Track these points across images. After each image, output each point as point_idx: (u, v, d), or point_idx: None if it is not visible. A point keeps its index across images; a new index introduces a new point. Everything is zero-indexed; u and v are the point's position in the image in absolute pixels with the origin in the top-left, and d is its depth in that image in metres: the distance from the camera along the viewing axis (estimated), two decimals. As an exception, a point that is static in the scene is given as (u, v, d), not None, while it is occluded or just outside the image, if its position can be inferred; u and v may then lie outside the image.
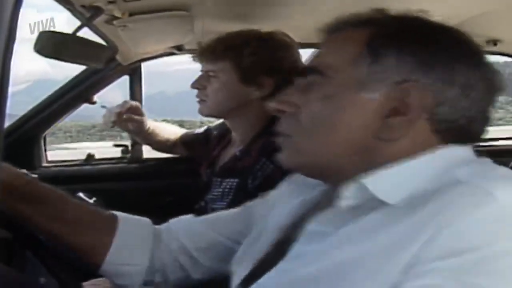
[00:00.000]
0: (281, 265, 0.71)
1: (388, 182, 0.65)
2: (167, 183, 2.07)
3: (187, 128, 2.10)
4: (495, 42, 1.84)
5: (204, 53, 1.49)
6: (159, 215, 1.14)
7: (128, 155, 2.15)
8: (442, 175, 0.63)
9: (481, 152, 0.70)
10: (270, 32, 1.47)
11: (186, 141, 1.93)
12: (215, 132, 1.79)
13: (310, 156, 0.72)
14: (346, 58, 0.69)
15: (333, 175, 0.72)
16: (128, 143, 2.15)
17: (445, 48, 0.68)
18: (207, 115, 1.58)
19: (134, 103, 1.84)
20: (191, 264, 0.96)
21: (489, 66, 0.70)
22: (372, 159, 0.67)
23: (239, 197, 1.39)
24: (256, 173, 1.38)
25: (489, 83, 0.69)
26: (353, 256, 0.61)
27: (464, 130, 0.68)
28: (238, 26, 1.51)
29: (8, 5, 0.41)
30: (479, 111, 0.69)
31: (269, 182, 1.31)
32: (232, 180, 1.46)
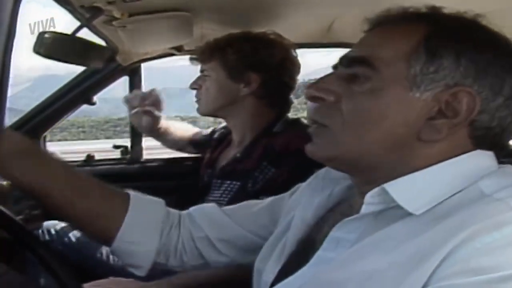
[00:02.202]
0: (305, 270, 0.70)
1: (410, 188, 0.64)
2: (167, 184, 2.06)
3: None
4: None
5: (196, 55, 1.61)
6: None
7: (128, 156, 2.15)
8: (466, 184, 0.63)
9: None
10: (257, 32, 1.53)
11: (196, 141, 1.94)
12: (217, 134, 1.81)
13: (346, 149, 0.69)
14: (399, 52, 0.67)
15: (364, 170, 0.71)
16: (127, 144, 2.15)
17: (500, 58, 0.67)
18: (203, 114, 1.62)
19: (160, 95, 1.85)
20: (212, 253, 0.96)
21: None
22: (408, 158, 0.67)
23: (238, 200, 1.40)
24: (257, 177, 1.38)
25: None
26: (377, 266, 0.60)
27: (497, 138, 0.68)
28: (237, 26, 1.52)
29: (8, 3, 0.41)
30: None
31: (271, 185, 1.32)
32: (232, 182, 1.46)
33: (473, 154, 0.67)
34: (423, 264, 0.56)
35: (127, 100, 1.83)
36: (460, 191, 0.62)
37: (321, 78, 0.74)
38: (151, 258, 0.93)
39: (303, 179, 0.92)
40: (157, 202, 0.98)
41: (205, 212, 0.99)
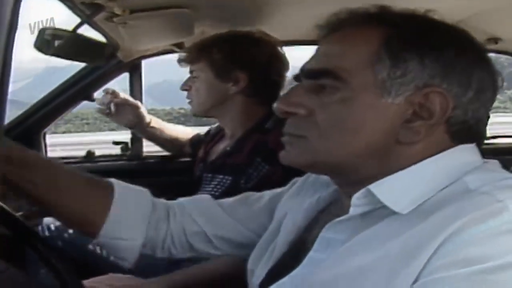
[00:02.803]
0: (297, 271, 0.70)
1: (395, 188, 0.64)
2: (167, 180, 2.06)
3: (182, 115, 2.11)
4: (496, 40, 1.83)
5: (183, 57, 1.62)
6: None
7: (128, 152, 2.16)
8: (451, 180, 0.63)
9: (485, 151, 0.70)
10: (242, 31, 1.54)
11: (194, 142, 1.94)
12: (212, 131, 1.82)
13: (326, 156, 0.69)
14: (361, 59, 0.67)
15: (346, 174, 0.71)
16: (128, 140, 2.15)
17: (464, 53, 0.67)
18: (195, 114, 1.64)
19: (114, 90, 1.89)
20: (205, 247, 0.96)
21: (494, 67, 0.70)
22: (388, 161, 0.67)
23: (230, 196, 1.41)
24: (250, 175, 1.39)
25: (495, 84, 0.70)
26: (366, 263, 0.61)
27: (473, 130, 0.68)
28: (237, 23, 1.52)
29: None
30: (485, 112, 0.69)
31: (265, 183, 1.33)
32: (223, 177, 1.47)
33: (456, 149, 0.67)
34: (412, 259, 0.57)
35: (100, 102, 1.86)
36: (445, 187, 0.63)
37: (289, 92, 0.74)
38: (137, 251, 0.93)
39: (297, 176, 0.91)
40: (142, 194, 0.96)
41: (201, 207, 0.98)
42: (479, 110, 0.68)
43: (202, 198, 1.02)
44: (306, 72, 0.73)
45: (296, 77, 0.76)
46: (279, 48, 1.57)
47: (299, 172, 0.90)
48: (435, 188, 0.63)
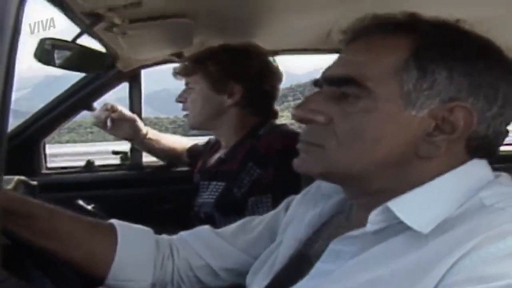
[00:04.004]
0: (304, 282, 0.69)
1: (414, 205, 0.62)
2: (166, 189, 2.06)
3: (186, 123, 2.11)
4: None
5: (179, 70, 1.64)
6: (159, 222, 1.14)
7: (127, 162, 2.15)
8: (467, 197, 0.62)
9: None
10: (235, 44, 1.56)
11: (192, 153, 1.95)
12: (211, 141, 1.84)
13: (342, 167, 0.67)
14: (387, 69, 0.64)
15: (360, 185, 0.69)
16: (127, 150, 2.15)
17: (492, 67, 0.65)
18: (192, 127, 1.65)
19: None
20: (213, 279, 0.95)
21: None
22: (405, 174, 0.65)
23: (225, 202, 1.45)
24: (242, 180, 1.41)
25: None
26: (379, 277, 0.60)
27: (491, 145, 0.67)
28: (237, 33, 1.53)
29: (13, 4, 0.41)
30: (505, 126, 0.68)
31: (257, 187, 1.35)
32: (218, 183, 1.50)
33: (469, 164, 0.66)
34: (426, 274, 0.56)
35: (97, 117, 1.86)
36: (461, 204, 0.62)
37: (308, 99, 0.71)
38: None
39: (288, 178, 0.90)
40: (146, 234, 0.96)
41: (202, 239, 0.97)
42: (500, 125, 0.66)
43: (203, 230, 0.99)
44: (328, 78, 0.70)
45: (316, 83, 0.74)
46: (270, 60, 1.60)
47: (289, 174, 0.89)
48: (453, 205, 0.62)
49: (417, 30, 0.66)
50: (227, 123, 1.57)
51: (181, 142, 2.02)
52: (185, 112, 1.65)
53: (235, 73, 1.53)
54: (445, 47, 0.64)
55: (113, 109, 1.84)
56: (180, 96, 1.64)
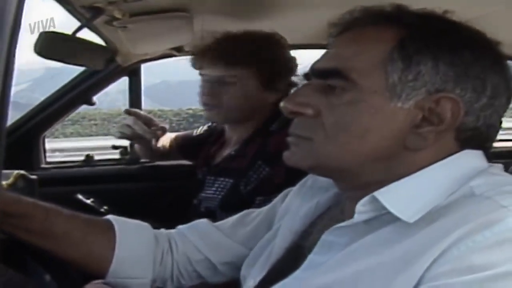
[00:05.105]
0: (297, 274, 0.69)
1: (401, 195, 0.63)
2: (165, 184, 2.07)
3: (190, 116, 2.08)
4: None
5: (218, 58, 1.45)
6: (158, 216, 1.14)
7: (127, 156, 2.15)
8: (457, 186, 0.62)
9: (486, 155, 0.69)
10: (272, 33, 1.48)
11: (183, 146, 1.87)
12: (218, 129, 1.74)
13: (330, 160, 0.67)
14: (373, 61, 0.64)
15: (350, 178, 0.69)
16: (126, 144, 2.15)
17: (479, 57, 0.64)
18: (224, 122, 1.57)
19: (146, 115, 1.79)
20: (213, 273, 0.95)
21: (510, 72, 0.68)
22: (394, 166, 0.65)
23: (231, 199, 1.41)
24: (250, 177, 1.38)
25: (511, 90, 0.68)
26: (368, 267, 0.60)
27: (483, 136, 0.67)
28: (237, 27, 1.52)
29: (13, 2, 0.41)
30: (498, 118, 0.67)
31: (266, 185, 1.32)
32: (225, 179, 1.46)
33: (461, 154, 0.66)
34: (414, 264, 0.56)
35: (129, 127, 1.70)
36: (452, 193, 0.61)
37: (297, 91, 0.72)
38: (148, 287, 0.92)
39: (299, 178, 0.91)
40: (144, 229, 0.95)
41: (201, 233, 0.96)
42: (491, 117, 0.65)
43: (201, 224, 0.99)
44: (316, 71, 0.71)
45: (306, 76, 0.74)
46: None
47: (300, 175, 0.90)
48: (441, 195, 0.62)
49: (402, 21, 0.66)
50: (256, 117, 1.49)
51: (169, 137, 1.91)
52: (206, 106, 1.50)
53: (284, 68, 1.48)
54: (430, 38, 0.64)
55: (163, 129, 1.74)
56: (211, 90, 1.47)
